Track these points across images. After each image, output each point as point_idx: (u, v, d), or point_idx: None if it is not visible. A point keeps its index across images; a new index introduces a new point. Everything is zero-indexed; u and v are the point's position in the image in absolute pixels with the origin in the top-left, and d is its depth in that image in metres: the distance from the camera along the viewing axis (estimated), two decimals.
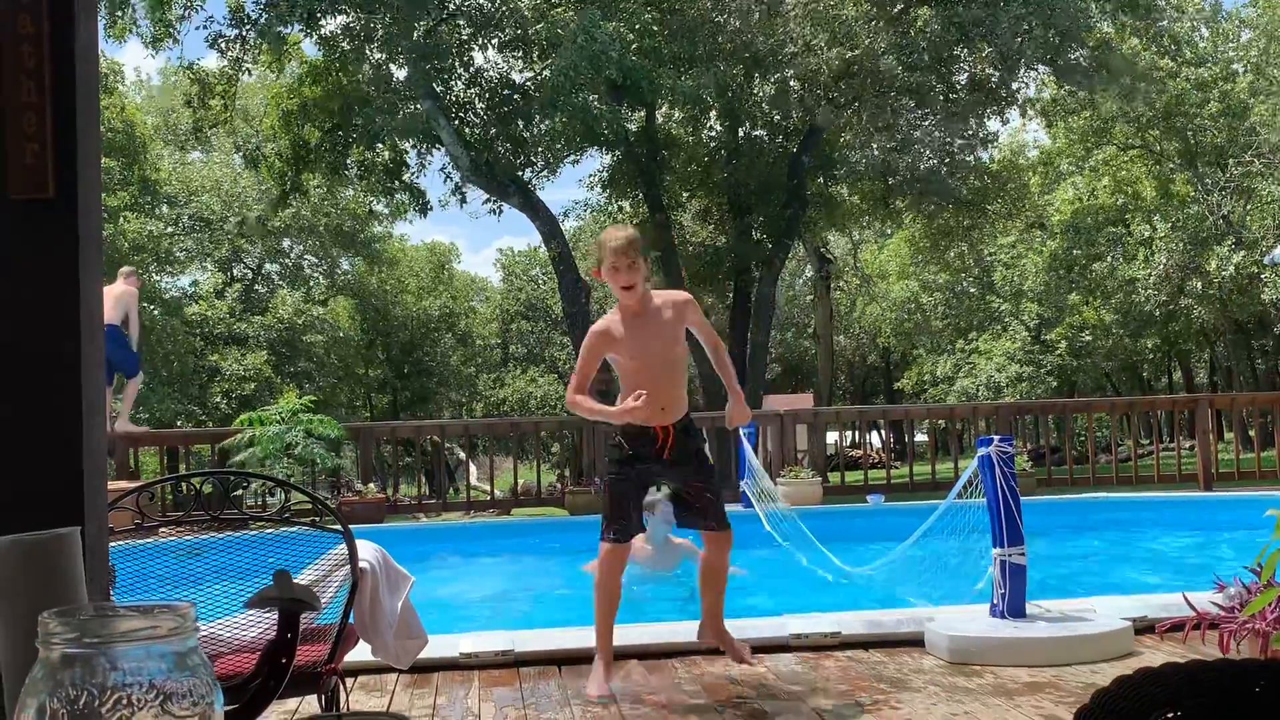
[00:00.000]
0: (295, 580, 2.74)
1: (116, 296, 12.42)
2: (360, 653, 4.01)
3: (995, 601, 5.47)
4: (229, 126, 24.88)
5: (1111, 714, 1.26)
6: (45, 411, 2.17)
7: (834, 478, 14.54)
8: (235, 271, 35.95)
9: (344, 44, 20.03)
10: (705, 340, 5.02)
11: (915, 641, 5.40)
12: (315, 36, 20.20)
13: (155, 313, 28.09)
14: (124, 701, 1.06)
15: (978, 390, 33.98)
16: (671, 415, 4.74)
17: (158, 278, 31.19)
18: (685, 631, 5.56)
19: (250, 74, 22.27)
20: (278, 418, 12.23)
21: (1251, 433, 20.63)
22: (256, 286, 36.09)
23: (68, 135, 2.22)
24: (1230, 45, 29.03)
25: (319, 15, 19.57)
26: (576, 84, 17.59)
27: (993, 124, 23.28)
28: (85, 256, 2.22)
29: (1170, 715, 1.24)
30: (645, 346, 4.75)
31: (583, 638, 5.54)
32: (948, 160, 21.44)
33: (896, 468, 16.11)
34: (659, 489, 7.52)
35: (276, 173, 22.13)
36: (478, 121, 21.56)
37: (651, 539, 8.41)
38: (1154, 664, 1.28)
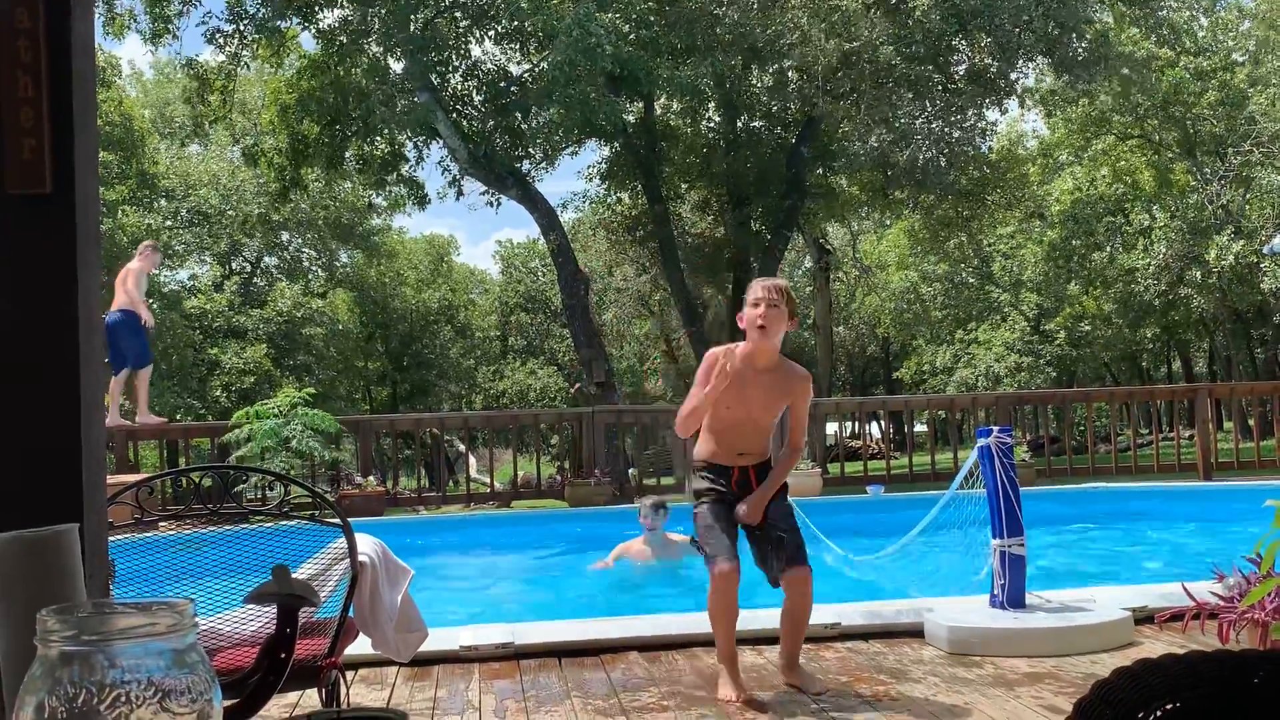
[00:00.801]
0: (294, 575, 2.74)
1: (123, 276, 12.33)
2: (360, 646, 4.01)
3: (995, 592, 5.48)
4: (227, 121, 24.85)
5: (1111, 705, 1.26)
6: (43, 407, 2.17)
7: (834, 469, 14.55)
8: (234, 265, 35.93)
9: (341, 37, 20.01)
10: (791, 431, 4.78)
11: (915, 632, 5.40)
12: (313, 30, 20.18)
13: (154, 306, 28.05)
14: (122, 699, 1.06)
15: (977, 380, 33.98)
16: (749, 460, 4.67)
17: (156, 271, 31.16)
18: (685, 624, 5.57)
19: (249, 68, 22.24)
20: (275, 412, 12.23)
21: (1251, 422, 20.61)
22: (255, 279, 36.07)
23: (65, 130, 2.22)
24: (1229, 35, 29.00)
25: (316, 8, 19.54)
26: (573, 77, 17.56)
27: (991, 114, 23.20)
28: (83, 251, 2.22)
29: (1170, 706, 1.24)
30: (743, 396, 4.61)
31: (583, 630, 5.56)
32: (946, 151, 21.41)
33: (896, 458, 16.11)
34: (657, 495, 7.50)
35: (275, 167, 22.12)
36: (475, 114, 21.54)
37: (651, 540, 8.45)
38: (1153, 654, 1.28)
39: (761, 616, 5.62)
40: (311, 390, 13.45)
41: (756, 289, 4.68)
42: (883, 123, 20.16)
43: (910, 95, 20.34)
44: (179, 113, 32.29)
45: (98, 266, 2.31)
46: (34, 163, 2.18)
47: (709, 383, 4.58)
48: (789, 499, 4.80)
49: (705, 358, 4.74)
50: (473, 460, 24.95)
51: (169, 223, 31.23)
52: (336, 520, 3.56)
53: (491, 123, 21.19)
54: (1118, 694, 1.26)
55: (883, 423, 40.10)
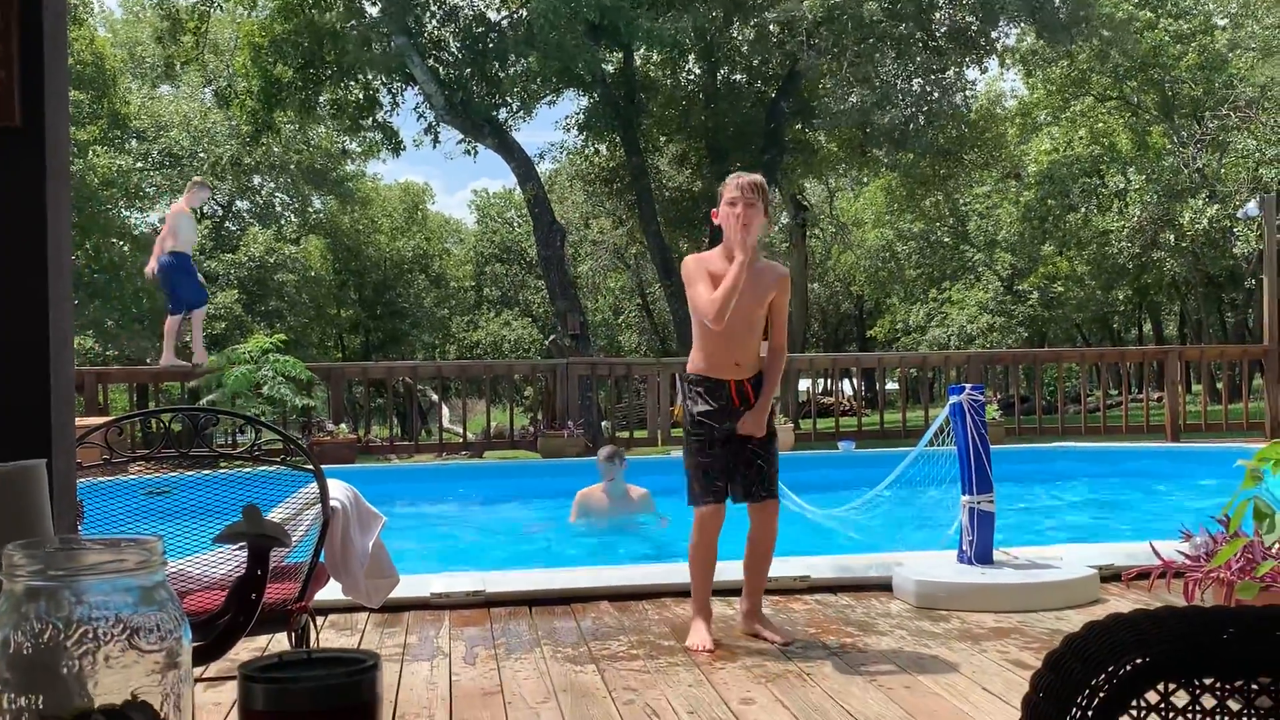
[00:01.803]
0: (265, 517, 2.73)
1: (171, 216, 12.49)
2: (331, 591, 4.01)
3: (963, 548, 5.52)
4: (199, 63, 24.54)
5: (1080, 658, 1.26)
6: (12, 345, 2.14)
7: (806, 424, 14.60)
8: (205, 208, 35.56)
9: None
10: (773, 330, 4.75)
11: (883, 586, 5.45)
12: None
13: (125, 249, 27.81)
14: (89, 635, 1.05)
15: (949, 339, 34.10)
16: (744, 372, 4.63)
17: (127, 213, 30.86)
18: (655, 574, 5.60)
19: (221, 9, 21.95)
20: (247, 357, 12.18)
21: (1219, 385, 20.82)
22: (227, 224, 35.74)
23: (35, 63, 2.17)
24: None
25: None
26: (554, 25, 17.41)
27: (971, 73, 23.28)
28: (53, 188, 2.18)
29: (1139, 661, 1.24)
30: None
31: (553, 579, 5.58)
32: (925, 109, 21.36)
33: (868, 415, 16.19)
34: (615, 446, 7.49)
35: (248, 110, 21.87)
36: (452, 60, 21.33)
37: (609, 490, 8.46)
38: (1120, 611, 1.29)
39: (731, 569, 5.66)
40: (283, 337, 13.38)
41: (732, 187, 4.62)
42: (863, 81, 20.09)
43: (893, 53, 20.27)
44: (150, 53, 31.83)
45: (68, 204, 2.28)
46: (3, 96, 2.14)
47: (709, 276, 4.58)
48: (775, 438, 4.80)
49: (687, 264, 4.72)
50: (445, 410, 24.92)
51: (139, 164, 30.86)
52: (308, 465, 3.54)
53: (469, 69, 21.00)
54: (1088, 647, 1.27)
55: (855, 380, 40.23)
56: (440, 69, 20.80)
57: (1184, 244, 26.97)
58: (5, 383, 2.13)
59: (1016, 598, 5.08)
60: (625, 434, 14.63)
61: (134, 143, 31.54)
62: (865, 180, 34.26)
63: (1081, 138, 30.07)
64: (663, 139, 24.64)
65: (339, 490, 3.68)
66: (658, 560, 6.92)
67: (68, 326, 2.22)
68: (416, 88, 20.91)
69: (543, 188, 22.11)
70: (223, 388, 11.78)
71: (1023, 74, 29.10)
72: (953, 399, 5.68)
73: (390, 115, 22.42)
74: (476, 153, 22.36)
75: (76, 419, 2.59)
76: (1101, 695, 1.24)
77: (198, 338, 13.24)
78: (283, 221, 36.62)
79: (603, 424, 14.77)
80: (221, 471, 3.84)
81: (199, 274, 12.72)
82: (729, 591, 5.21)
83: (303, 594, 3.47)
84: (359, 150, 26.92)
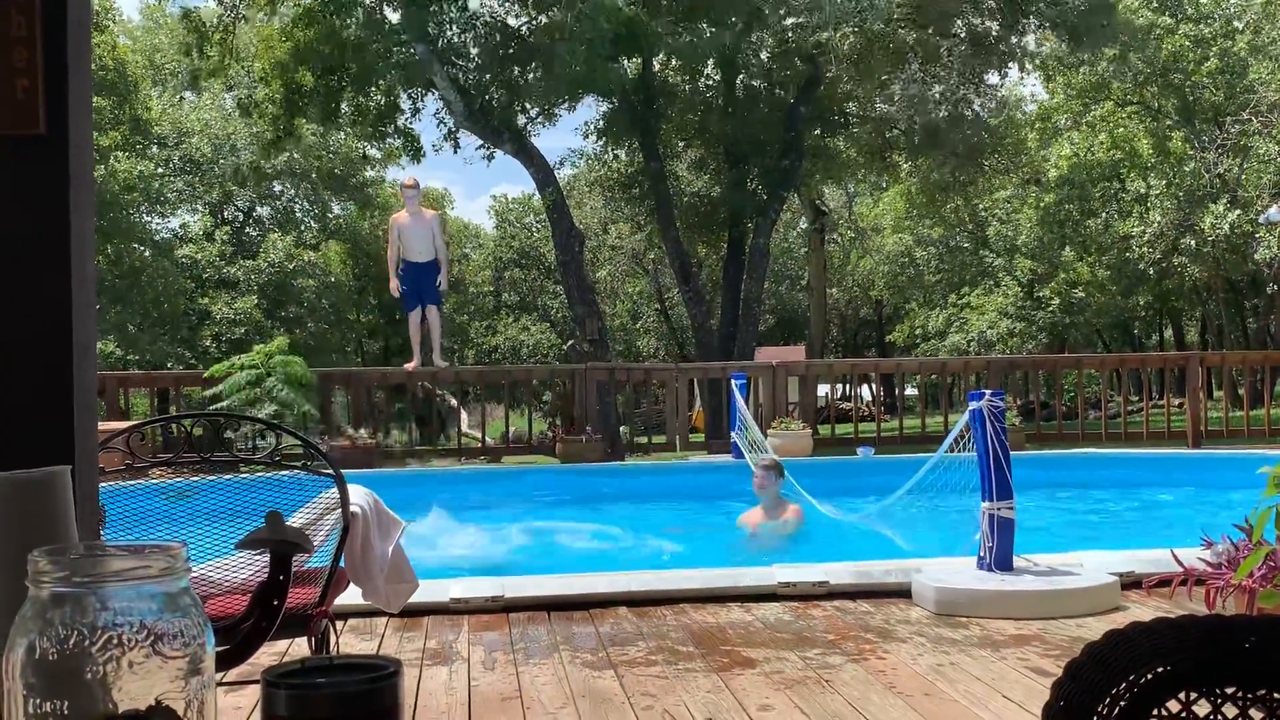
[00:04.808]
0: (287, 523, 2.74)
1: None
2: (350, 596, 4.02)
3: (983, 554, 5.50)
4: (224, 74, 24.62)
5: (1102, 667, 1.26)
6: (34, 352, 2.15)
7: (824, 430, 14.57)
8: (226, 214, 35.71)
9: None
10: None
11: (903, 592, 5.44)
12: None
13: (146, 254, 27.95)
14: (114, 641, 1.06)
15: (969, 345, 33.99)
16: None
17: (148, 218, 31.00)
18: (673, 580, 5.60)
19: (245, 20, 22.04)
20: (251, 364, 12.21)
21: (1241, 391, 20.70)
22: (247, 230, 35.88)
23: (59, 71, 2.19)
24: (1231, 2, 28.84)
25: None
26: (581, 40, 17.51)
27: (992, 78, 23.18)
28: (76, 195, 2.20)
29: (1160, 669, 1.24)
30: None
31: (572, 584, 5.59)
32: (946, 115, 21.30)
33: (887, 421, 16.15)
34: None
35: (269, 117, 21.93)
36: (472, 67, 21.37)
37: (763, 503, 8.37)
38: (1140, 618, 1.29)
39: (750, 574, 5.67)
40: (286, 340, 13.44)
41: None
42: (884, 85, 20.06)
43: (912, 57, 20.23)
44: (170, 59, 32.01)
45: (91, 210, 2.29)
46: (27, 104, 2.15)
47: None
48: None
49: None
50: (464, 415, 24.95)
51: (160, 170, 31.01)
52: (328, 470, 3.56)
53: (488, 76, 21.03)
54: (1109, 655, 1.27)
55: (874, 385, 40.12)
56: (460, 76, 20.84)
57: (1205, 249, 26.81)
58: (28, 390, 2.15)
59: (1037, 605, 5.06)
60: (644, 439, 14.66)
61: (155, 149, 31.69)
62: (885, 185, 34.20)
63: (1102, 143, 29.95)
64: (681, 144, 24.64)
65: (359, 495, 3.70)
66: (687, 563, 6.86)
67: (91, 334, 2.24)
68: (437, 94, 20.96)
69: (561, 193, 22.13)
70: (233, 395, 11.83)
71: (1042, 79, 29.00)
72: (972, 405, 5.67)
73: (411, 121, 22.47)
74: (493, 158, 22.39)
75: (98, 424, 2.60)
76: (1123, 704, 1.24)
77: (436, 341, 13.80)
78: (303, 227, 36.74)
79: (621, 429, 14.78)
80: (242, 476, 3.86)
81: (431, 275, 13.35)
82: (750, 598, 5.22)
83: (323, 598, 3.49)
84: (379, 156, 26.99)
